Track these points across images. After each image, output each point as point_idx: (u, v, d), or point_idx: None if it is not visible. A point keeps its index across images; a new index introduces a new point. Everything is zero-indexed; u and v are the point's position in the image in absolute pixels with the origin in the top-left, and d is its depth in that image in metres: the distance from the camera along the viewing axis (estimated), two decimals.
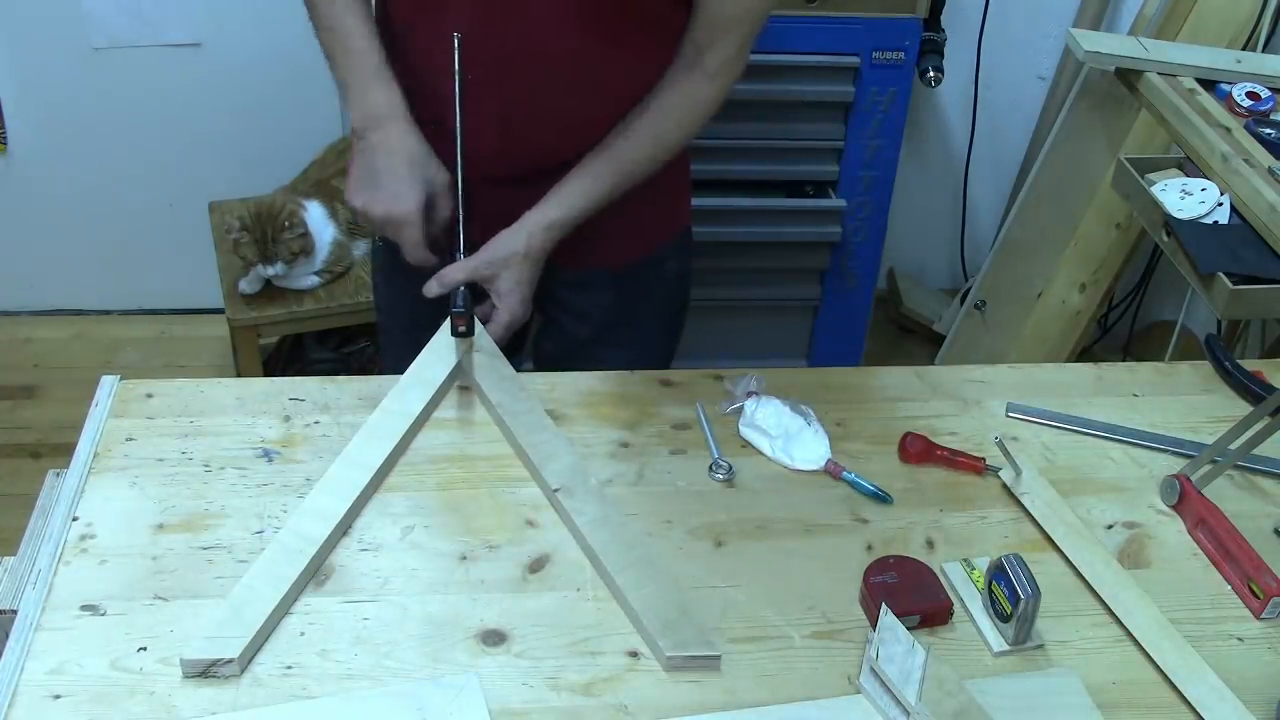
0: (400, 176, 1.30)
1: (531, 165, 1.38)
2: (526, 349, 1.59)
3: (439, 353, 1.33)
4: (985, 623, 1.09)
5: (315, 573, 1.09)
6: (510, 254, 1.36)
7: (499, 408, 1.27)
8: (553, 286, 1.48)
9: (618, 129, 1.36)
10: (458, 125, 1.28)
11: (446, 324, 1.32)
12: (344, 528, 1.14)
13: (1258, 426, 1.23)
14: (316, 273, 2.44)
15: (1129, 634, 1.09)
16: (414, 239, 1.31)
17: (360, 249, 2.49)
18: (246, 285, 2.42)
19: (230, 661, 0.99)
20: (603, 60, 1.31)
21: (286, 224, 2.33)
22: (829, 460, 1.26)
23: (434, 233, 1.33)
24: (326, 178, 2.51)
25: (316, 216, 2.42)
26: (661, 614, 1.05)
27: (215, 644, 1.00)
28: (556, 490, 1.18)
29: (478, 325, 1.34)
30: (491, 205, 1.34)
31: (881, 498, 1.22)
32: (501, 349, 1.35)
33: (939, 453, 1.27)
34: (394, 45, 1.37)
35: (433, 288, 1.32)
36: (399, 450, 1.23)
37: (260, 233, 2.32)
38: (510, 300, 1.37)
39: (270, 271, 2.36)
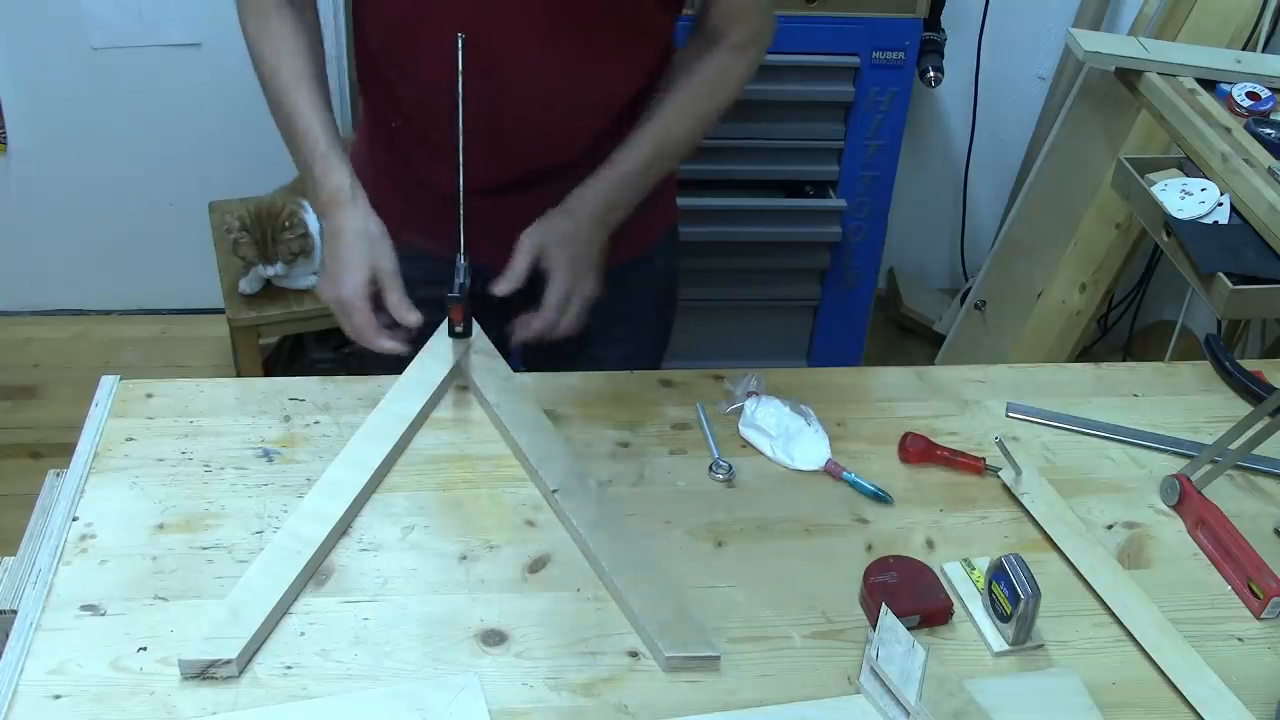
0: (343, 261, 1.25)
1: (521, 172, 1.38)
2: (516, 349, 1.58)
3: (437, 353, 1.33)
4: (985, 623, 1.09)
5: (313, 574, 1.09)
6: (548, 224, 1.31)
7: (496, 408, 1.27)
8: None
9: (650, 108, 1.35)
10: (459, 127, 1.28)
11: (444, 325, 1.32)
12: (342, 529, 1.14)
13: (1258, 426, 1.23)
14: (316, 272, 2.44)
15: (1129, 634, 1.09)
16: (360, 322, 1.24)
17: None
18: (246, 285, 2.42)
19: (228, 663, 0.99)
20: (587, 69, 1.31)
21: (286, 224, 2.33)
22: (829, 460, 1.26)
23: (384, 320, 1.26)
24: None
25: (316, 217, 2.42)
26: (660, 615, 1.05)
27: (213, 645, 1.00)
28: (554, 491, 1.18)
29: (475, 326, 1.34)
30: (482, 213, 1.34)
31: (881, 498, 1.22)
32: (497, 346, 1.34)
33: (939, 453, 1.27)
34: (376, 59, 1.37)
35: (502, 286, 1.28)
36: (397, 451, 1.23)
37: (260, 233, 2.32)
38: (562, 271, 1.30)
39: (270, 272, 2.36)
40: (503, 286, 1.28)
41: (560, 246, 1.31)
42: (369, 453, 1.20)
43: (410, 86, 1.35)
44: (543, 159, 1.37)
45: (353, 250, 1.24)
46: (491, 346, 1.34)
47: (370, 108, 1.43)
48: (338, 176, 1.27)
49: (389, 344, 1.24)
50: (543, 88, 1.31)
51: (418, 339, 1.29)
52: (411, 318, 1.25)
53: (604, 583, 1.10)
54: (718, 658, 1.04)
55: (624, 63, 1.34)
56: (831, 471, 1.25)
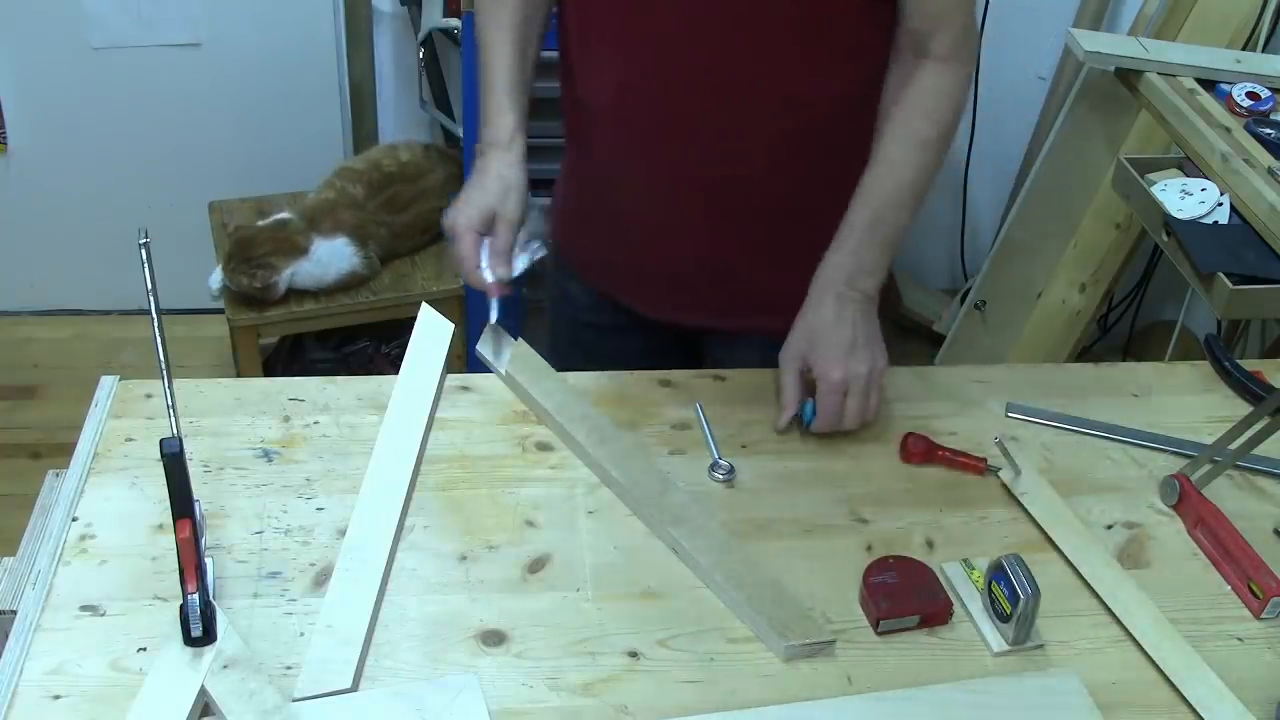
0: (470, 195, 1.30)
1: (705, 183, 1.35)
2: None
3: (430, 346, 1.33)
4: (985, 623, 1.09)
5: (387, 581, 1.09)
6: (795, 332, 1.28)
7: (556, 414, 1.27)
8: (707, 342, 1.49)
9: (872, 154, 1.28)
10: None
11: (422, 308, 1.33)
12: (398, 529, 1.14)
13: (1258, 426, 1.23)
14: (322, 290, 2.45)
15: (1129, 634, 1.09)
16: (461, 251, 1.29)
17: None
18: (215, 281, 2.43)
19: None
20: (765, 67, 1.26)
21: (252, 274, 2.35)
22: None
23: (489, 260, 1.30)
24: (372, 219, 2.51)
25: (330, 249, 2.42)
26: (768, 607, 1.06)
27: (327, 677, 0.99)
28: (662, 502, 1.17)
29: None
30: (682, 273, 1.38)
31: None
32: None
33: (940, 453, 1.27)
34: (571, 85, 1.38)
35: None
36: (417, 465, 1.22)
37: (229, 252, 2.35)
38: (826, 370, 1.24)
39: (213, 279, 2.41)
40: (783, 419, 1.28)
41: (816, 347, 1.26)
42: (400, 457, 1.20)
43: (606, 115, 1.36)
44: (726, 165, 1.32)
45: (484, 189, 1.29)
46: (533, 352, 1.35)
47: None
48: (503, 119, 1.31)
49: (482, 278, 1.28)
50: (715, 82, 1.27)
51: (506, 308, 1.32)
52: (499, 270, 1.29)
53: (702, 578, 1.11)
54: (833, 642, 1.05)
55: (807, 65, 1.26)
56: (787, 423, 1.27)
